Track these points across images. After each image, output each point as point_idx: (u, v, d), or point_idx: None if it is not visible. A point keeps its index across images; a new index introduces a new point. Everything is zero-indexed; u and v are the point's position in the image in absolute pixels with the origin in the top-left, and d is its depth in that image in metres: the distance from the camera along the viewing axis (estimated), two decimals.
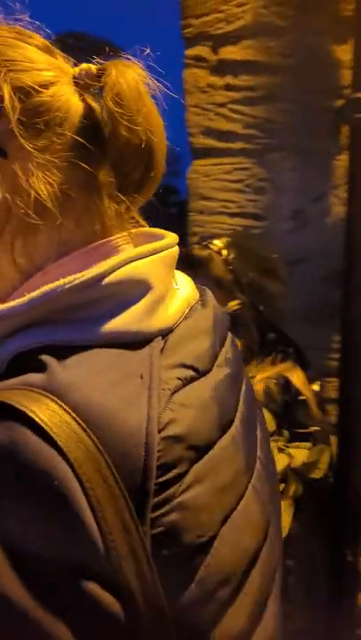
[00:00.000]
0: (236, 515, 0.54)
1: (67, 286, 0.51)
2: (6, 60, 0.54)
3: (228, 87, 1.94)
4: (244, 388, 0.66)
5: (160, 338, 0.55)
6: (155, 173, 0.58)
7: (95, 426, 0.45)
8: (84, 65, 0.58)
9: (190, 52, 1.96)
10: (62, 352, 0.50)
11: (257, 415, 0.70)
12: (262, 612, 0.59)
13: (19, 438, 0.42)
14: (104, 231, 0.58)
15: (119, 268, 0.53)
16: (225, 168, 1.97)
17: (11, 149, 0.53)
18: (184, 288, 0.63)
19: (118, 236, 0.58)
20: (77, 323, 0.52)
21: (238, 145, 1.95)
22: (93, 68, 0.57)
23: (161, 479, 0.46)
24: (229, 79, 1.93)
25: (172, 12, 1.94)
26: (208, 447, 0.52)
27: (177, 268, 0.64)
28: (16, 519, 0.42)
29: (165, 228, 0.64)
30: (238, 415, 0.61)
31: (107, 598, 0.43)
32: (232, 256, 1.52)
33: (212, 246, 1.54)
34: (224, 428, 0.56)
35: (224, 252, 1.53)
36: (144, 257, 0.56)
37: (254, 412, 0.69)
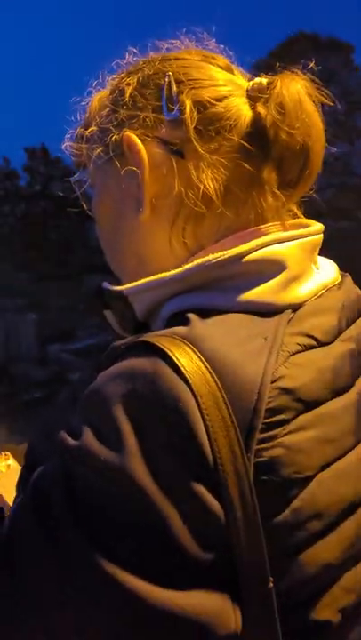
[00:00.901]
0: (336, 465, 0.61)
1: (213, 261, 0.64)
2: (191, 80, 0.69)
3: None
4: None
5: (290, 311, 0.64)
6: (309, 172, 0.69)
7: (219, 371, 0.55)
8: (256, 79, 0.69)
9: None
10: (206, 313, 0.61)
11: None
12: (357, 561, 0.65)
13: (160, 370, 0.54)
14: (259, 220, 0.68)
15: (259, 249, 0.64)
16: None
17: (187, 151, 0.67)
18: (325, 272, 0.72)
19: (271, 224, 0.69)
20: (222, 291, 0.64)
21: None
22: (264, 81, 0.69)
23: (267, 420, 0.55)
24: None
25: None
26: (317, 403, 0.60)
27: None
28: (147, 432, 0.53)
29: None
30: (356, 388, 0.67)
31: (211, 499, 0.53)
32: None
33: None
34: (337, 392, 0.63)
35: None
36: (283, 242, 0.66)
37: None
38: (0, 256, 18.77)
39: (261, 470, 0.55)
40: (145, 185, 0.68)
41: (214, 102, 0.68)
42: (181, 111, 0.67)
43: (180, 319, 0.61)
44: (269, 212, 0.69)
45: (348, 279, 0.77)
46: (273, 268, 0.65)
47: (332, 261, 0.78)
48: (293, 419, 0.57)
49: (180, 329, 0.59)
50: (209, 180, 0.66)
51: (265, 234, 0.67)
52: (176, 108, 0.67)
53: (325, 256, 0.76)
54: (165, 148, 0.68)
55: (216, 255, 0.64)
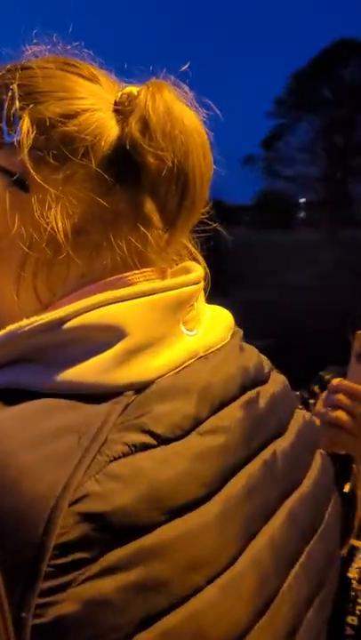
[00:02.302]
0: (170, 620, 0.44)
1: (26, 328, 0.49)
2: (38, 93, 0.55)
3: None
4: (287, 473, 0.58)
5: (133, 392, 0.49)
6: (191, 200, 0.56)
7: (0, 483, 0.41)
8: (127, 88, 0.56)
9: None
10: (16, 396, 0.47)
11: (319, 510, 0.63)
12: None
13: None
14: (121, 266, 0.54)
15: (87, 311, 0.50)
16: None
17: (31, 183, 0.53)
18: (204, 334, 0.57)
19: (139, 272, 0.55)
20: (41, 367, 0.50)
21: None
22: (135, 90, 0.56)
23: (57, 561, 0.40)
24: None
25: None
26: (138, 532, 0.43)
27: None
28: None
29: None
30: (225, 493, 0.50)
31: None
32: None
33: None
34: (180, 510, 0.46)
35: None
36: (126, 299, 0.51)
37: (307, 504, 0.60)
38: None
39: (42, 636, 0.39)
40: None
41: (64, 120, 0.53)
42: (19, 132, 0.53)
43: None
44: (149, 253, 0.56)
45: (236, 341, 0.61)
46: (106, 335, 0.49)
47: (226, 313, 0.64)
48: (99, 558, 0.41)
49: None
50: (57, 219, 0.52)
51: (128, 284, 0.54)
52: (17, 129, 0.53)
53: None
54: (4, 178, 0.54)
55: (30, 320, 0.50)
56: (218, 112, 0.59)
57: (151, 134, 0.53)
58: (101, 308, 0.50)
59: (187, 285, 0.55)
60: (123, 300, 0.51)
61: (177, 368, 0.53)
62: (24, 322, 0.50)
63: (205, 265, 0.67)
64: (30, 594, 0.39)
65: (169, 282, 0.55)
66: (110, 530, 0.42)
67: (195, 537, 0.46)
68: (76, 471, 0.42)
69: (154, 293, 0.52)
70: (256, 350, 0.65)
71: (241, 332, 0.65)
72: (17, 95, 0.54)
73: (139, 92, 0.55)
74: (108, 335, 0.49)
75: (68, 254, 0.53)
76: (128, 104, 0.55)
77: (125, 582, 0.42)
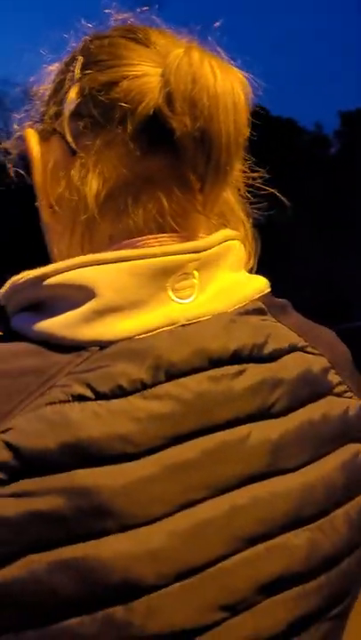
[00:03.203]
0: (56, 553, 0.48)
1: (18, 282, 0.56)
2: (92, 62, 0.60)
3: None
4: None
5: (98, 348, 0.53)
6: (215, 164, 0.56)
7: None
8: (175, 52, 0.56)
9: None
10: (17, 338, 0.55)
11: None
12: None
13: None
14: (151, 229, 0.58)
15: (66, 271, 0.54)
16: None
17: (79, 147, 0.59)
18: (201, 303, 0.58)
19: (153, 236, 0.58)
20: (33, 316, 0.56)
21: None
22: (181, 52, 0.56)
23: None
24: None
25: None
26: (50, 470, 0.49)
27: None
28: None
29: None
30: (160, 458, 0.52)
31: None
32: None
33: None
34: (93, 461, 0.50)
35: None
36: (103, 263, 0.55)
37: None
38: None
39: None
40: (37, 186, 0.62)
41: (107, 87, 0.57)
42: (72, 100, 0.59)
43: None
44: (178, 217, 0.58)
45: (234, 314, 0.59)
46: (78, 295, 0.54)
47: (255, 285, 0.62)
48: (11, 482, 0.48)
49: None
50: (93, 183, 0.58)
51: (134, 248, 0.57)
52: (66, 98, 0.59)
53: None
54: (60, 142, 0.60)
55: (22, 275, 0.56)
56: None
57: (173, 100, 0.54)
58: (79, 269, 0.55)
59: (177, 254, 0.56)
60: (102, 264, 0.55)
61: (147, 332, 0.55)
62: (20, 275, 0.56)
63: (251, 234, 0.67)
64: None
65: (156, 249, 0.57)
66: (24, 462, 0.48)
67: (109, 487, 0.50)
68: (14, 407, 0.50)
69: (134, 259, 0.55)
70: (276, 327, 0.62)
71: (261, 305, 0.62)
72: (79, 65, 0.60)
73: (172, 57, 0.56)
74: (81, 294, 0.54)
75: (100, 216, 0.58)
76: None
77: (26, 508, 0.48)
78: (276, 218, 0.71)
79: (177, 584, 0.51)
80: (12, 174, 0.68)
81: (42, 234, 0.67)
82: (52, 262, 0.60)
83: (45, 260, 0.62)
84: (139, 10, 0.65)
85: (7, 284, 0.58)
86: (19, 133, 0.65)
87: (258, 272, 0.67)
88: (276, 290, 0.66)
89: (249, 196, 0.68)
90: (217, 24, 0.61)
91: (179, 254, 0.56)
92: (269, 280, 0.64)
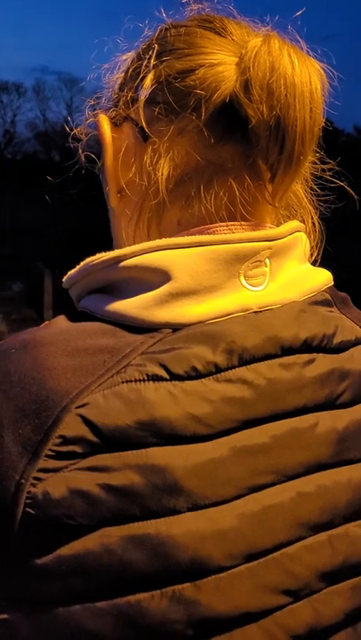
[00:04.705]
0: (138, 525, 0.49)
1: (93, 263, 0.58)
2: (168, 50, 0.60)
3: None
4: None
5: (171, 331, 0.54)
6: (288, 154, 0.56)
7: (31, 379, 0.51)
8: (253, 41, 0.57)
9: None
10: (85, 317, 0.57)
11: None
12: None
13: None
14: (221, 216, 0.59)
15: (142, 254, 0.55)
16: None
17: (152, 133, 0.60)
18: (272, 292, 0.58)
19: (224, 224, 0.58)
20: (106, 297, 0.57)
21: None
22: (259, 42, 0.57)
23: (57, 448, 0.49)
24: None
25: None
26: (126, 446, 0.50)
27: None
28: None
29: None
30: (232, 441, 0.53)
31: None
32: None
33: None
34: (168, 439, 0.51)
35: None
36: (180, 247, 0.55)
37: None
38: None
39: (31, 502, 0.49)
40: (107, 170, 0.63)
41: (183, 75, 0.58)
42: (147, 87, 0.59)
43: None
44: (248, 205, 0.59)
45: (304, 303, 0.60)
46: (154, 277, 0.55)
47: (320, 277, 0.63)
48: (88, 456, 0.49)
49: (34, 330, 0.57)
50: (165, 168, 0.58)
51: (213, 233, 0.57)
52: (141, 85, 0.60)
53: None
54: (135, 129, 0.61)
55: (96, 257, 0.57)
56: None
57: (250, 88, 0.55)
58: (155, 253, 0.55)
59: (251, 241, 0.57)
60: (177, 248, 0.55)
61: (221, 317, 0.55)
62: (95, 256, 0.58)
63: (317, 227, 0.68)
64: (31, 466, 0.49)
65: (231, 236, 0.57)
66: (101, 437, 0.50)
67: (182, 466, 0.51)
68: (91, 384, 0.51)
69: (209, 244, 0.56)
70: (342, 319, 0.63)
71: (328, 297, 0.63)
72: (155, 53, 0.61)
73: (251, 45, 0.57)
74: (156, 277, 0.55)
75: (169, 202, 0.59)
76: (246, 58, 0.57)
77: (104, 482, 0.49)
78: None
79: (243, 566, 0.52)
80: (84, 159, 0.69)
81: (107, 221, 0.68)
82: (116, 248, 0.62)
83: (104, 247, 0.63)
84: (215, 0, 0.65)
85: (79, 265, 0.59)
86: (90, 120, 0.66)
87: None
88: None
89: (316, 188, 0.68)
90: (298, 13, 0.62)
91: (253, 242, 0.57)
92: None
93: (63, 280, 0.63)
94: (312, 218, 0.68)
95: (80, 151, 0.69)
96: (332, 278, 0.65)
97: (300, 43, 0.60)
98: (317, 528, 0.56)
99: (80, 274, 0.59)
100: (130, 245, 0.59)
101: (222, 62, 0.58)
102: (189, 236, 0.57)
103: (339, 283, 0.67)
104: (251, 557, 0.52)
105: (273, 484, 0.54)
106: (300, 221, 0.66)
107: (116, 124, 0.64)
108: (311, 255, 0.67)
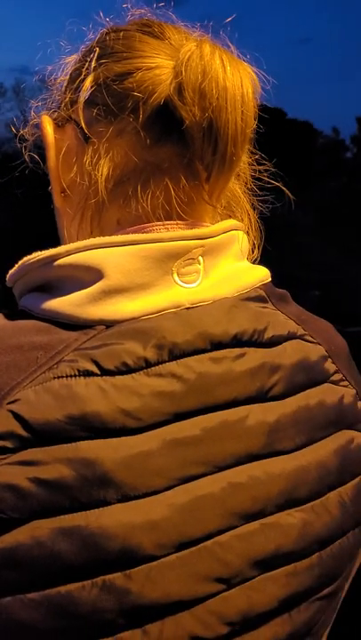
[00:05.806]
0: (66, 518, 0.50)
1: (29, 262, 0.59)
2: (108, 54, 0.62)
3: None
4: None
5: (104, 328, 0.56)
6: (221, 155, 0.58)
7: None
8: (186, 46, 0.59)
9: None
10: (23, 316, 0.58)
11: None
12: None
13: None
14: (158, 215, 0.60)
15: (76, 252, 0.57)
16: None
17: (92, 134, 0.61)
18: (205, 289, 0.60)
19: (161, 223, 0.60)
20: (43, 295, 0.59)
21: None
22: (193, 46, 0.59)
23: None
24: None
25: None
26: (56, 440, 0.51)
27: None
28: None
29: None
30: (163, 434, 0.54)
31: None
32: None
33: None
34: (98, 433, 0.52)
35: None
36: (112, 246, 0.57)
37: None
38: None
39: None
40: (50, 171, 0.65)
41: (121, 78, 0.60)
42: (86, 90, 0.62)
43: None
44: (185, 205, 0.61)
45: (237, 300, 0.61)
46: (88, 276, 0.56)
47: (257, 273, 0.65)
48: (19, 450, 0.50)
49: None
50: (104, 168, 0.60)
51: (149, 232, 0.59)
52: (81, 87, 0.62)
53: None
54: (76, 130, 0.63)
55: (33, 255, 0.58)
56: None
57: (183, 91, 0.57)
58: (90, 251, 0.57)
59: (184, 239, 0.59)
60: (111, 246, 0.57)
61: (153, 314, 0.57)
62: (32, 255, 0.59)
63: (256, 225, 0.70)
64: None
65: (164, 234, 0.59)
66: (32, 431, 0.51)
67: (111, 459, 0.52)
68: (23, 380, 0.52)
69: (142, 243, 0.57)
70: (276, 315, 0.64)
71: (262, 293, 0.64)
72: (95, 56, 0.62)
73: (185, 50, 0.58)
74: (90, 275, 0.56)
75: (108, 201, 0.61)
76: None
77: (34, 475, 0.50)
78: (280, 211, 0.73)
79: (174, 555, 0.53)
80: (28, 160, 0.71)
81: (52, 219, 0.70)
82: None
83: (51, 245, 0.65)
84: (155, 6, 0.67)
85: (18, 264, 0.61)
86: (35, 120, 0.67)
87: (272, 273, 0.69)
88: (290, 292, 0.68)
89: (255, 188, 0.70)
90: (228, 19, 0.64)
91: (185, 240, 0.59)
92: (281, 281, 0.67)
93: (6, 279, 0.63)
94: (250, 217, 0.69)
95: (24, 152, 0.70)
96: (269, 275, 0.66)
97: (230, 48, 0.61)
98: (249, 517, 0.57)
99: (18, 273, 0.61)
100: (74, 243, 0.60)
101: (159, 66, 0.60)
102: (123, 235, 0.58)
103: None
104: (182, 546, 0.54)
105: (204, 475, 0.56)
106: (240, 221, 0.67)
107: (59, 125, 0.66)
108: (252, 252, 0.69)
